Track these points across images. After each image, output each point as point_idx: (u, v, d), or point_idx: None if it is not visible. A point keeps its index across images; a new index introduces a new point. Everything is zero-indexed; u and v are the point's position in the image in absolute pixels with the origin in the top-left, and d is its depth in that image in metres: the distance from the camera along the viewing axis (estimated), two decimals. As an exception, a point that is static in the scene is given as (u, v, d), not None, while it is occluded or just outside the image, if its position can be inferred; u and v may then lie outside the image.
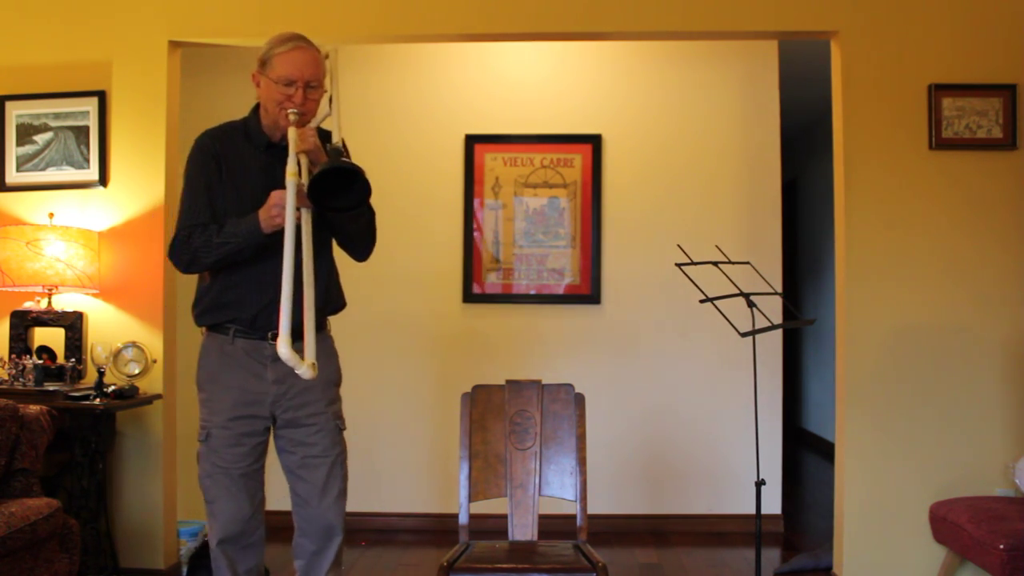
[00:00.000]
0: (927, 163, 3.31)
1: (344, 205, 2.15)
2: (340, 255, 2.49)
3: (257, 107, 2.36)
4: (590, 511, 2.79)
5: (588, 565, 2.35)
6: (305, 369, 1.99)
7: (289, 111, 2.22)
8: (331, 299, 2.44)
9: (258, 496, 2.35)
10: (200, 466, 2.32)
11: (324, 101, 2.35)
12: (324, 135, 2.33)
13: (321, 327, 2.41)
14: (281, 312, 1.98)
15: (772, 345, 4.34)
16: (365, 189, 2.13)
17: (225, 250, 2.23)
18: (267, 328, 2.28)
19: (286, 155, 2.18)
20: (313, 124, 2.31)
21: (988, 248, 3.30)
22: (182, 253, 2.28)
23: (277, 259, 2.07)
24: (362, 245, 2.43)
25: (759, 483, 2.76)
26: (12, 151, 3.49)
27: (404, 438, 4.40)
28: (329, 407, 2.38)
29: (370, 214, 2.40)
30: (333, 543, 2.38)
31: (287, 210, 2.07)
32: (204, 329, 2.38)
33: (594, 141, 4.43)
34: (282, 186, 2.13)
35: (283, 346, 1.95)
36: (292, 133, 2.19)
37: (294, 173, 2.11)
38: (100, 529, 3.24)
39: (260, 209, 2.19)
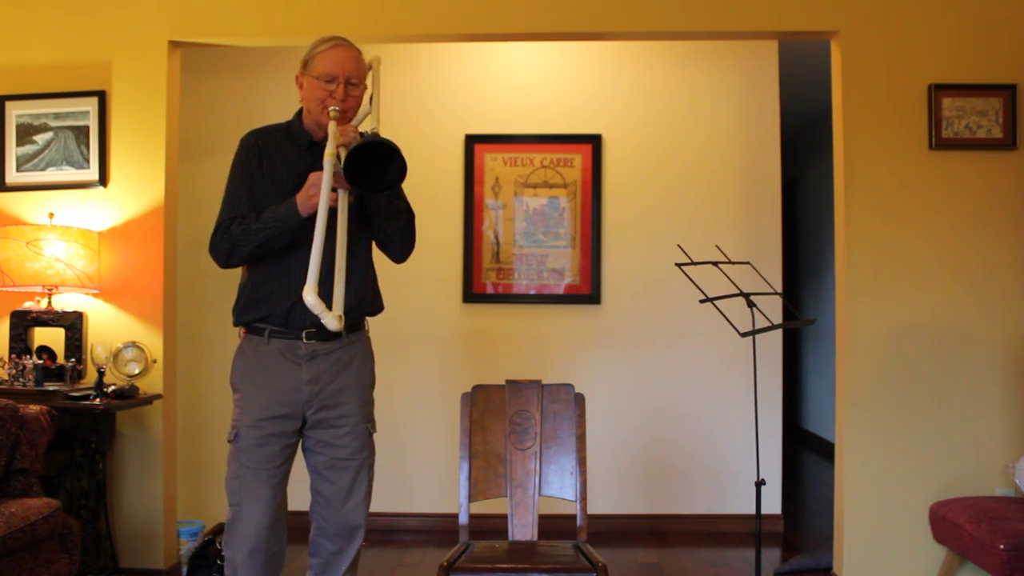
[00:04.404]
0: (927, 163, 3.32)
1: (380, 187, 2.14)
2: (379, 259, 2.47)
3: (300, 111, 2.38)
4: (590, 511, 2.80)
5: (588, 565, 2.35)
6: (331, 319, 2.03)
7: (330, 107, 2.24)
8: (369, 298, 2.42)
9: (283, 504, 2.32)
10: (228, 467, 2.29)
11: (365, 99, 2.36)
12: None
13: (359, 327, 2.41)
14: (310, 265, 2.01)
15: (772, 345, 4.34)
16: (401, 167, 2.11)
17: (263, 236, 2.21)
18: (301, 326, 2.27)
19: None
20: (354, 122, 2.33)
21: (988, 248, 3.30)
22: (222, 243, 2.26)
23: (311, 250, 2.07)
24: (401, 245, 2.39)
25: (759, 483, 2.76)
26: (12, 151, 3.49)
27: (404, 438, 4.40)
28: (362, 409, 2.37)
29: (409, 215, 2.39)
30: (354, 544, 2.38)
31: (323, 190, 2.07)
32: (242, 331, 2.37)
33: (594, 141, 4.42)
34: None
35: (309, 293, 1.99)
36: (332, 126, 2.21)
37: (332, 154, 2.12)
38: (100, 529, 3.24)
39: (299, 192, 2.19)
